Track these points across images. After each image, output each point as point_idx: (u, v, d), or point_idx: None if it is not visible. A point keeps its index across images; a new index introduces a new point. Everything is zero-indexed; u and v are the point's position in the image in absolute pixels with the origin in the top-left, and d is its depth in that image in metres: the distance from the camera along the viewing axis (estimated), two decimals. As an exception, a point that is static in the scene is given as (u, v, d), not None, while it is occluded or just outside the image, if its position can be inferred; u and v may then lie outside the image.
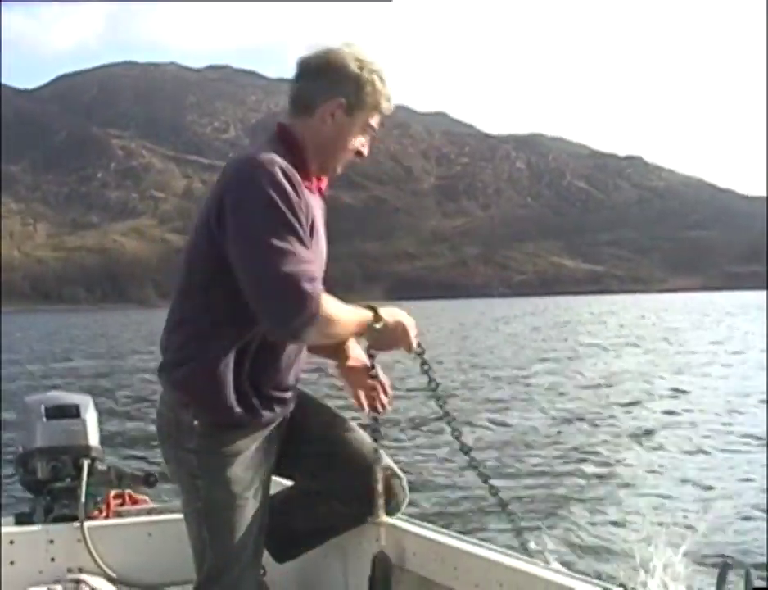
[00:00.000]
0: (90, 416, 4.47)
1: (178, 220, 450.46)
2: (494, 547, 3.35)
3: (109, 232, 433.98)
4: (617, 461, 13.51)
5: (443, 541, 3.46)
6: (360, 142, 3.34)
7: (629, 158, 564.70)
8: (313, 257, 3.04)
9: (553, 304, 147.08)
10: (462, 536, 3.51)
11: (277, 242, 2.92)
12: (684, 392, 21.55)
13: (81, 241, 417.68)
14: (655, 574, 7.71)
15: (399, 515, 3.68)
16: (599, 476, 12.46)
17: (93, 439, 4.43)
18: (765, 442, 14.54)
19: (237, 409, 3.14)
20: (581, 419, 17.72)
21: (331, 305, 3.02)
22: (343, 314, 3.10)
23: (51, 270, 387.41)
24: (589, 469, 12.85)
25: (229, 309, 3.10)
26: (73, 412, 4.43)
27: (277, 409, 3.31)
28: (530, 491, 11.42)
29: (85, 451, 4.35)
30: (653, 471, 12.81)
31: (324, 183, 3.39)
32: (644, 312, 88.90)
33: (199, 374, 3.12)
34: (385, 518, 3.61)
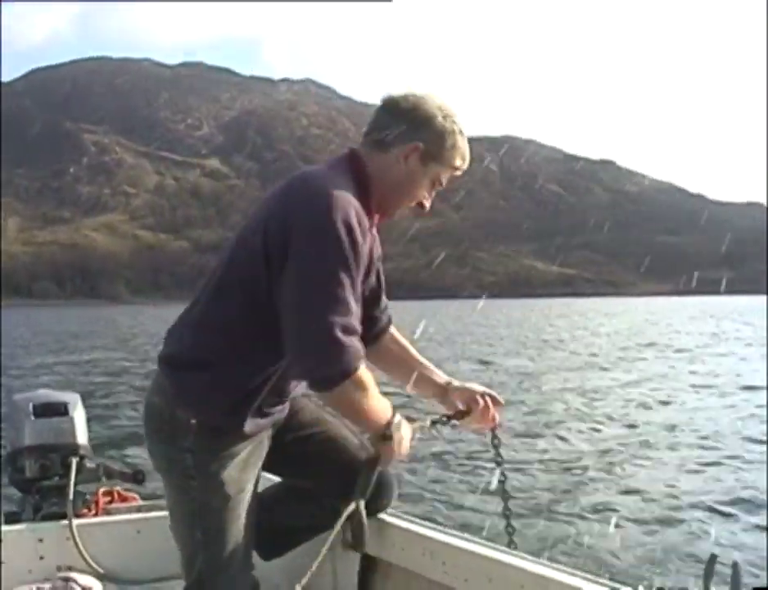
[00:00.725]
0: (78, 414, 4.44)
1: (149, 216, 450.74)
2: (483, 542, 3.34)
3: (80, 227, 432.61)
4: (602, 457, 13.74)
5: (431, 536, 3.45)
6: (425, 195, 3.29)
7: (602, 162, 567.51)
8: (359, 312, 3.00)
9: (523, 306, 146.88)
10: (450, 531, 3.50)
11: (334, 288, 2.88)
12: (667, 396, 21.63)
13: (52, 236, 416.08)
14: (641, 566, 8.07)
15: (387, 510, 3.67)
16: (585, 472, 12.61)
17: (82, 437, 4.40)
18: (766, 439, 14.82)
19: (240, 419, 3.13)
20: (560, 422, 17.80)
21: (367, 375, 3.00)
22: (373, 391, 3.06)
23: (22, 264, 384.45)
24: (576, 464, 13.12)
25: (266, 335, 3.04)
26: (61, 410, 4.39)
27: (277, 416, 3.33)
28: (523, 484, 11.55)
29: (74, 448, 4.32)
30: (639, 465, 12.99)
31: (377, 221, 3.31)
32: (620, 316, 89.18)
33: (213, 383, 3.09)
34: (373, 514, 3.56)
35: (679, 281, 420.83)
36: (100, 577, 4.03)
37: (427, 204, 3.33)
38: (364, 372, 2.98)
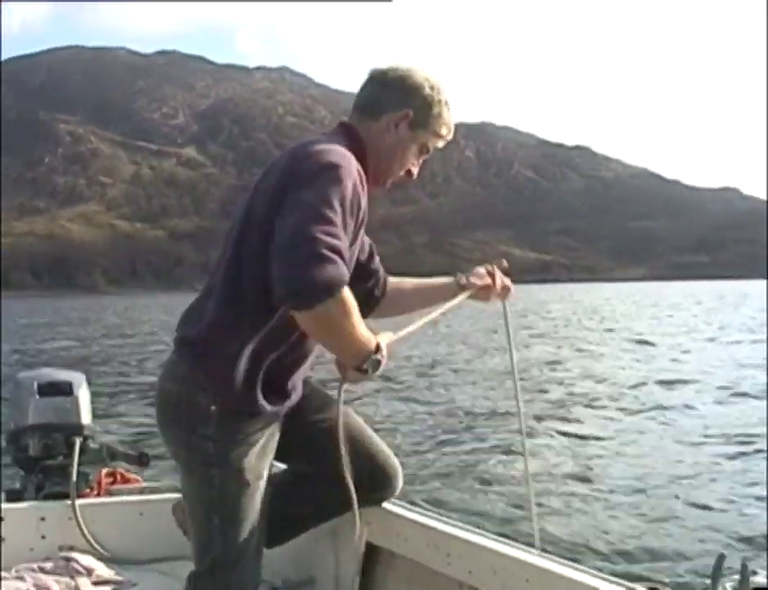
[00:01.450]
0: (83, 394, 4.42)
1: (125, 205, 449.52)
2: (488, 534, 3.33)
3: (56, 217, 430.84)
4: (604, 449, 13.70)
5: (436, 527, 3.43)
6: (413, 162, 3.37)
7: (577, 148, 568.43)
8: (347, 247, 2.95)
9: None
10: (455, 522, 3.49)
11: (327, 213, 2.86)
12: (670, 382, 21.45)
13: (28, 226, 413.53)
14: (651, 564, 8.09)
15: (392, 499, 3.64)
16: (585, 462, 12.56)
17: (86, 417, 4.38)
18: (766, 437, 14.49)
19: (257, 399, 3.12)
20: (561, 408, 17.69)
21: (351, 300, 2.91)
22: (357, 318, 2.96)
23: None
24: (570, 459, 13.00)
25: (267, 301, 3.00)
26: (66, 389, 4.37)
27: (292, 399, 3.33)
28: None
29: (77, 428, 4.31)
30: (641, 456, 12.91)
31: (370, 189, 3.28)
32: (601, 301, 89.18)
33: (228, 361, 3.07)
34: (378, 503, 3.58)
35: (655, 266, 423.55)
36: (101, 557, 4.04)
37: (415, 171, 3.39)
38: (349, 296, 2.89)
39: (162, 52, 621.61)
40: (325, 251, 2.81)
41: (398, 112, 3.25)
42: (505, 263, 3.82)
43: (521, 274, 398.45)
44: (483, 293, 3.78)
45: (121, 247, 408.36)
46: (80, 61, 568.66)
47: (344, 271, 2.86)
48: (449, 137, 3.41)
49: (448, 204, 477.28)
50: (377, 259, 3.70)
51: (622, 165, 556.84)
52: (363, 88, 3.39)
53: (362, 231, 3.25)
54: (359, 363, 3.00)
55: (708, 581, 2.61)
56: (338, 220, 2.88)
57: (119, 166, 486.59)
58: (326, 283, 2.79)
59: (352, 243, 3.07)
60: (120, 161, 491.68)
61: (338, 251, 2.85)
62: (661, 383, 20.83)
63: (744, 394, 18.71)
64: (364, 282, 3.60)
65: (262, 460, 3.22)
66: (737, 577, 2.56)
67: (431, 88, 3.29)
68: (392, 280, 3.79)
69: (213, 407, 3.09)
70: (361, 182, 3.03)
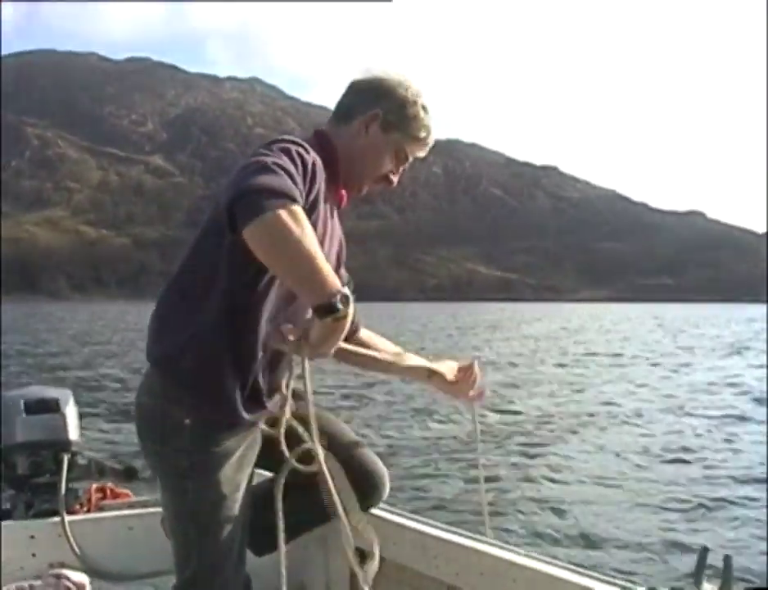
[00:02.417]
0: (70, 410, 4.43)
1: (92, 211, 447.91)
2: (475, 536, 3.34)
3: (21, 222, 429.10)
4: (582, 451, 14.09)
5: (423, 530, 3.45)
6: (390, 168, 3.31)
7: (544, 168, 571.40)
8: (299, 184, 2.74)
9: (465, 310, 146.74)
10: (442, 525, 3.50)
11: (274, 157, 2.70)
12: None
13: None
14: (636, 560, 8.28)
15: (379, 505, 3.64)
16: (566, 466, 12.89)
17: (74, 433, 4.38)
18: (766, 433, 15.27)
19: (232, 409, 3.06)
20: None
21: (306, 219, 2.64)
22: (314, 239, 2.63)
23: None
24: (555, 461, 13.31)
25: (240, 309, 2.98)
26: (53, 407, 4.38)
27: (269, 408, 3.25)
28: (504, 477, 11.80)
29: (65, 445, 4.32)
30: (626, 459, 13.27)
31: (345, 198, 3.32)
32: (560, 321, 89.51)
33: (197, 370, 3.00)
34: (365, 508, 3.53)
35: (620, 287, 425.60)
36: (92, 573, 4.01)
37: (395, 179, 3.36)
38: (304, 216, 2.64)
39: (133, 59, 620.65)
40: (275, 167, 2.66)
41: (368, 113, 3.22)
42: (477, 367, 3.76)
43: (485, 291, 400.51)
44: (451, 388, 3.76)
45: (86, 253, 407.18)
46: (50, 64, 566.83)
47: (296, 190, 2.66)
48: (428, 142, 3.36)
49: (414, 220, 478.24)
50: (345, 276, 3.52)
51: (589, 186, 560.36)
52: (340, 98, 3.37)
53: (316, 217, 3.02)
54: (327, 297, 2.62)
55: (693, 575, 2.64)
56: (289, 166, 2.71)
57: (86, 172, 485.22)
58: (275, 187, 2.61)
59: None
60: (87, 166, 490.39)
61: (289, 174, 2.69)
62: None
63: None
64: None
65: (239, 472, 3.19)
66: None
67: (405, 89, 3.26)
68: (370, 333, 3.74)
69: (187, 420, 3.05)
70: (316, 163, 2.87)
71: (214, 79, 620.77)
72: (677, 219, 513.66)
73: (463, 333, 58.68)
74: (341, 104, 3.33)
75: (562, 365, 32.45)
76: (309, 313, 2.73)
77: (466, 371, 3.76)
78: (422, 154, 3.39)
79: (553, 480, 11.91)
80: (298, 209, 2.64)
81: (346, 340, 3.34)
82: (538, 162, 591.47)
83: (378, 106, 3.22)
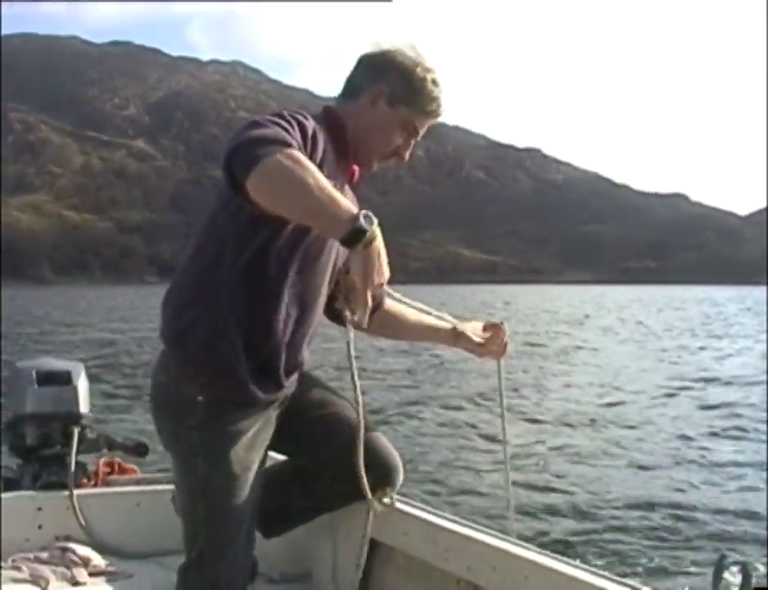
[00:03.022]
0: (81, 383, 4.42)
1: (75, 196, 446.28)
2: (488, 530, 3.30)
3: (4, 206, 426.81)
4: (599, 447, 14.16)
5: (435, 522, 3.41)
6: (400, 142, 3.26)
7: (527, 150, 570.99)
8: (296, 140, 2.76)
9: (449, 292, 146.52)
10: (455, 518, 3.46)
11: (270, 117, 2.77)
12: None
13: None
14: (652, 565, 8.30)
15: (391, 494, 3.60)
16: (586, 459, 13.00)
17: (84, 406, 4.37)
18: (766, 431, 15.30)
19: (245, 387, 3.04)
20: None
21: (301, 155, 2.66)
22: (319, 173, 2.64)
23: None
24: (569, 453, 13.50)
25: (249, 283, 2.98)
26: (64, 379, 4.37)
27: (285, 389, 3.25)
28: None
29: (75, 418, 4.31)
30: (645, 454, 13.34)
31: (356, 174, 3.29)
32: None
33: (210, 347, 3.00)
34: (377, 497, 3.52)
35: (604, 270, 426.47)
36: (98, 548, 4.01)
37: (406, 154, 3.31)
38: (303, 156, 2.67)
39: (115, 43, 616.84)
40: (263, 121, 2.71)
41: (374, 88, 3.18)
42: (506, 326, 3.76)
43: (470, 274, 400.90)
44: (479, 348, 3.75)
45: (69, 237, 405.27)
46: (31, 48, 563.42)
47: (290, 138, 2.69)
48: (438, 114, 3.31)
49: (398, 203, 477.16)
50: None
51: (572, 168, 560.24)
52: (349, 74, 3.31)
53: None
54: (351, 223, 2.60)
55: (710, 583, 2.59)
56: (281, 122, 2.75)
57: (69, 156, 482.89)
58: (268, 135, 2.64)
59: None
60: (70, 150, 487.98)
61: (282, 126, 2.72)
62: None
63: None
64: None
65: (251, 452, 3.17)
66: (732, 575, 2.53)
67: (413, 63, 3.21)
68: (397, 304, 3.65)
69: (200, 397, 3.04)
70: (316, 132, 2.91)
71: (196, 62, 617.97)
72: (660, 201, 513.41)
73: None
74: (349, 80, 3.28)
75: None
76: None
77: (494, 330, 3.75)
78: (435, 120, 3.33)
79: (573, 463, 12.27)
80: (296, 151, 2.62)
81: (373, 313, 3.27)
82: (521, 145, 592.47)
83: (384, 81, 3.18)
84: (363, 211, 2.60)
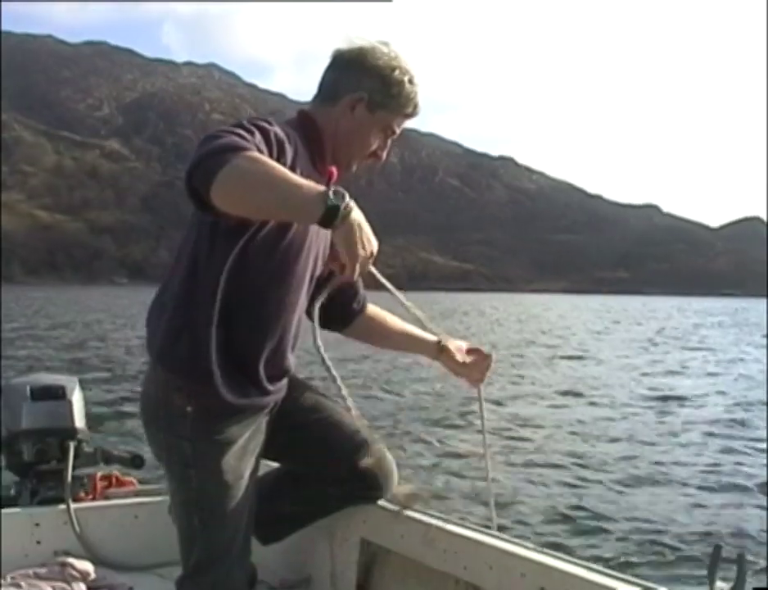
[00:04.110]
0: (76, 398, 4.42)
1: (47, 195, 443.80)
2: (484, 529, 3.32)
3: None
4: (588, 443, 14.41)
5: (431, 522, 3.41)
6: (378, 144, 3.28)
7: (501, 158, 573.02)
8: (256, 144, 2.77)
9: (420, 299, 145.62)
10: (451, 518, 3.47)
11: (222, 129, 2.76)
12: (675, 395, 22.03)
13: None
14: (648, 556, 8.31)
15: (387, 496, 3.61)
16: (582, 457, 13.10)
17: (79, 421, 4.38)
18: (765, 429, 15.63)
19: (231, 395, 3.06)
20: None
21: (258, 154, 2.68)
22: (280, 167, 2.68)
23: None
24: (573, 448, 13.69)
25: (230, 294, 3.00)
26: (59, 394, 4.37)
27: (272, 396, 3.25)
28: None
29: (71, 432, 4.31)
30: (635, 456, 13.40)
31: (335, 175, 3.24)
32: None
33: (194, 358, 3.01)
34: (373, 500, 3.56)
35: (576, 279, 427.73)
36: (97, 562, 4.00)
37: (383, 154, 3.32)
38: (257, 153, 2.68)
39: (90, 43, 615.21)
40: (219, 132, 2.71)
41: (353, 95, 3.16)
42: (493, 356, 3.75)
43: (441, 281, 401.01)
44: (459, 368, 3.71)
45: (40, 237, 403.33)
46: (5, 47, 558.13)
47: (246, 143, 2.69)
48: (417, 113, 3.30)
49: (370, 209, 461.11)
50: (357, 291, 3.62)
51: (546, 177, 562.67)
52: (324, 72, 3.28)
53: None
54: (321, 202, 2.59)
55: (706, 574, 2.57)
56: (238, 130, 2.74)
57: (41, 156, 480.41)
58: (223, 145, 2.64)
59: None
60: (43, 150, 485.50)
61: (238, 134, 2.71)
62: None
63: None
64: (342, 292, 3.48)
65: (243, 460, 3.18)
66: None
67: (390, 67, 3.19)
68: (379, 310, 3.70)
69: (188, 408, 3.05)
70: (288, 136, 2.93)
71: (171, 64, 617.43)
72: (632, 212, 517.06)
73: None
74: (324, 81, 3.26)
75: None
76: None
77: (479, 356, 3.72)
78: (411, 118, 3.33)
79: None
80: (251, 152, 2.63)
81: (354, 317, 3.62)
82: (495, 153, 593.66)
83: (362, 87, 3.16)
84: (333, 188, 2.59)
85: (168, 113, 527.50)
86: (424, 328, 3.73)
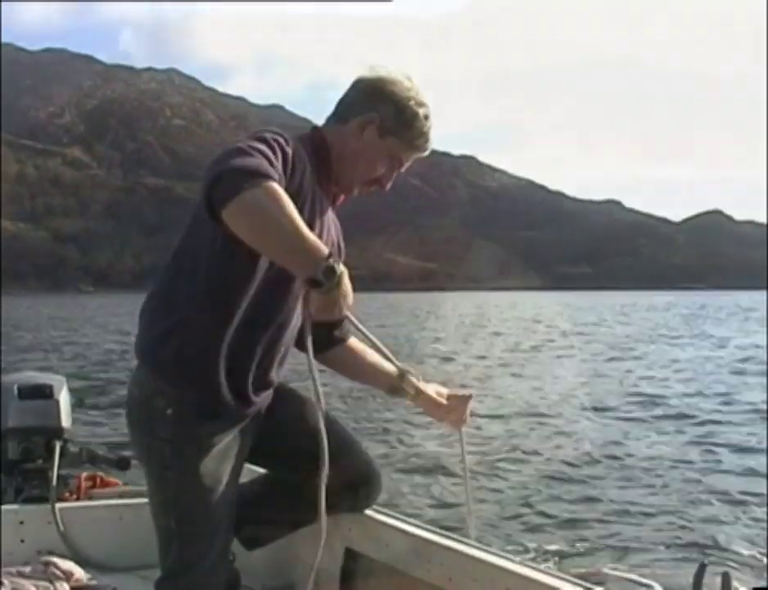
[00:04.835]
0: (63, 397, 4.40)
1: (9, 205, 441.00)
2: (469, 541, 3.32)
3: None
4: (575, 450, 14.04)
5: (417, 533, 3.41)
6: (383, 171, 3.28)
7: (463, 157, 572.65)
8: (276, 167, 2.81)
9: (383, 301, 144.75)
10: (436, 529, 3.46)
11: (249, 141, 2.82)
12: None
13: None
14: (633, 569, 7.83)
15: (372, 506, 3.61)
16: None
17: (66, 420, 4.36)
18: (766, 431, 15.30)
19: (214, 402, 3.05)
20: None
21: (283, 192, 2.71)
22: (294, 212, 2.69)
23: None
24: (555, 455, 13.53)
25: (220, 302, 2.99)
26: (46, 393, 4.35)
27: (255, 405, 3.24)
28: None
29: (57, 432, 4.29)
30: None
31: (340, 198, 3.34)
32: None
33: (179, 363, 3.01)
34: (358, 509, 3.57)
35: (539, 276, 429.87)
36: (80, 562, 3.97)
37: (387, 184, 3.33)
38: (281, 190, 2.70)
39: (49, 50, 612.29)
40: (247, 149, 2.73)
41: (365, 116, 3.18)
42: (472, 399, 3.74)
43: (405, 282, 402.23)
44: (438, 411, 3.70)
45: (4, 246, 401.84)
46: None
47: (272, 170, 2.72)
48: (426, 149, 3.31)
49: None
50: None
51: (507, 175, 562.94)
52: (342, 95, 3.30)
53: (302, 205, 2.97)
54: (310, 269, 2.70)
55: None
56: (264, 148, 2.78)
57: (3, 165, 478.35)
58: (249, 167, 2.66)
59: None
60: (5, 159, 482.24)
61: (264, 155, 2.75)
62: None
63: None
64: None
65: (222, 464, 3.15)
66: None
67: (406, 95, 3.19)
68: (359, 344, 3.66)
69: (169, 410, 3.04)
70: (297, 152, 2.96)
71: (131, 70, 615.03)
72: (594, 208, 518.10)
73: (381, 325, 56.04)
74: (342, 101, 3.28)
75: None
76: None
77: (459, 401, 3.70)
78: (421, 155, 3.34)
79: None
80: (276, 186, 2.66)
81: (334, 344, 3.56)
82: (456, 152, 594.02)
83: (376, 109, 3.17)
84: (328, 263, 2.67)
85: (128, 119, 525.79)
86: (398, 369, 3.66)
